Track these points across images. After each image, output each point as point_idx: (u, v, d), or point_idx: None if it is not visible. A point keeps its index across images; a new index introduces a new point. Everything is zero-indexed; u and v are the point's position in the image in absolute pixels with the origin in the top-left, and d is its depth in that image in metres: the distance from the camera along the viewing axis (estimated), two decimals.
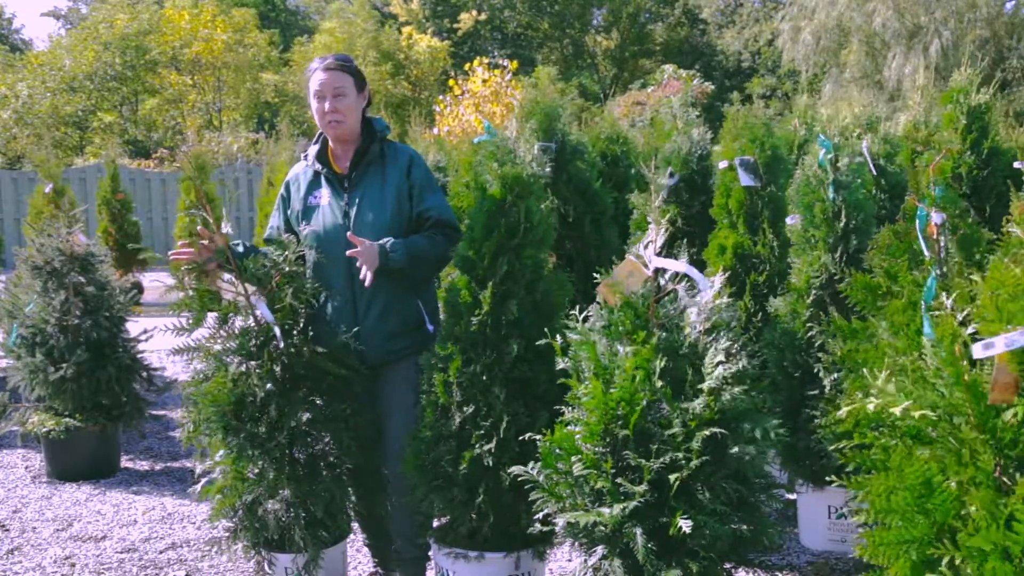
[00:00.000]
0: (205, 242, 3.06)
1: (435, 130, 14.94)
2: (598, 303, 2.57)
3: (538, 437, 2.54)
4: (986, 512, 1.49)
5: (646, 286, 2.48)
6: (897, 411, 1.63)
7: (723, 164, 4.45)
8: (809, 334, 3.64)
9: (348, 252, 2.99)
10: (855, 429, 1.80)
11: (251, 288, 3.10)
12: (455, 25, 32.98)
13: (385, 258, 3.03)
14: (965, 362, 1.61)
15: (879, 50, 22.38)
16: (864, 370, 2.09)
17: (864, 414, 1.75)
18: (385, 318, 3.19)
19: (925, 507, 1.60)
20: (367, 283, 3.01)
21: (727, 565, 2.40)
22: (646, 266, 2.51)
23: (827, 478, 3.41)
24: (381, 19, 30.46)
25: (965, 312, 1.79)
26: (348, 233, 3.04)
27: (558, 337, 2.61)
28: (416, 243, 3.13)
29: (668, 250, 2.56)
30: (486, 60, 17.68)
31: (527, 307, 2.87)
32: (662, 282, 2.52)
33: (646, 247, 2.53)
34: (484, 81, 16.37)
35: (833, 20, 22.78)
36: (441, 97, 17.15)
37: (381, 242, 3.05)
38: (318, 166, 3.28)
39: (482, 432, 2.85)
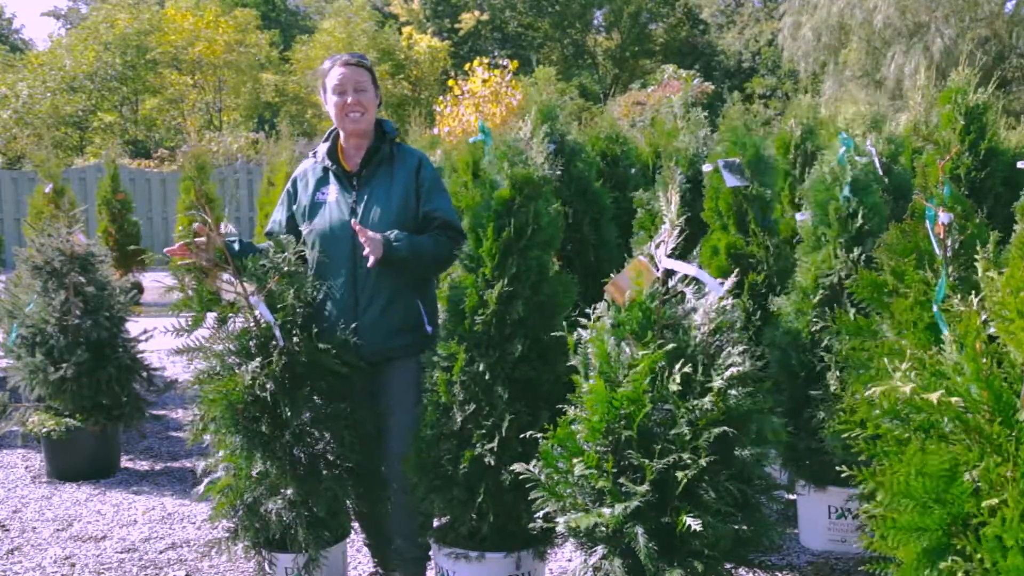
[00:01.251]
0: (202, 239, 3.07)
1: (435, 130, 14.93)
2: (605, 302, 2.57)
3: (540, 436, 2.54)
4: (1014, 506, 1.49)
5: (654, 287, 2.47)
6: (933, 398, 1.62)
7: (707, 167, 4.46)
8: (815, 330, 3.61)
9: (354, 224, 3.04)
10: (868, 420, 1.80)
11: (250, 288, 3.11)
12: (456, 25, 32.98)
13: (389, 248, 3.06)
14: (985, 359, 1.61)
15: (879, 49, 22.36)
16: (874, 365, 2.09)
17: (881, 405, 1.75)
18: (386, 314, 3.21)
19: (944, 496, 1.60)
20: (369, 264, 3.04)
21: (728, 565, 2.40)
22: (656, 267, 2.50)
23: (833, 475, 3.43)
24: (382, 19, 30.46)
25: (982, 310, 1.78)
26: (352, 221, 3.08)
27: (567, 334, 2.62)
28: (420, 240, 3.16)
29: (672, 250, 2.56)
30: (486, 60, 17.67)
31: (532, 307, 2.88)
32: (670, 283, 2.52)
33: (657, 247, 2.52)
34: (484, 81, 16.36)
35: (834, 16, 22.75)
36: (442, 98, 17.14)
37: (385, 233, 3.09)
38: (328, 162, 3.31)
39: (483, 431, 2.85)
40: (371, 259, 3.03)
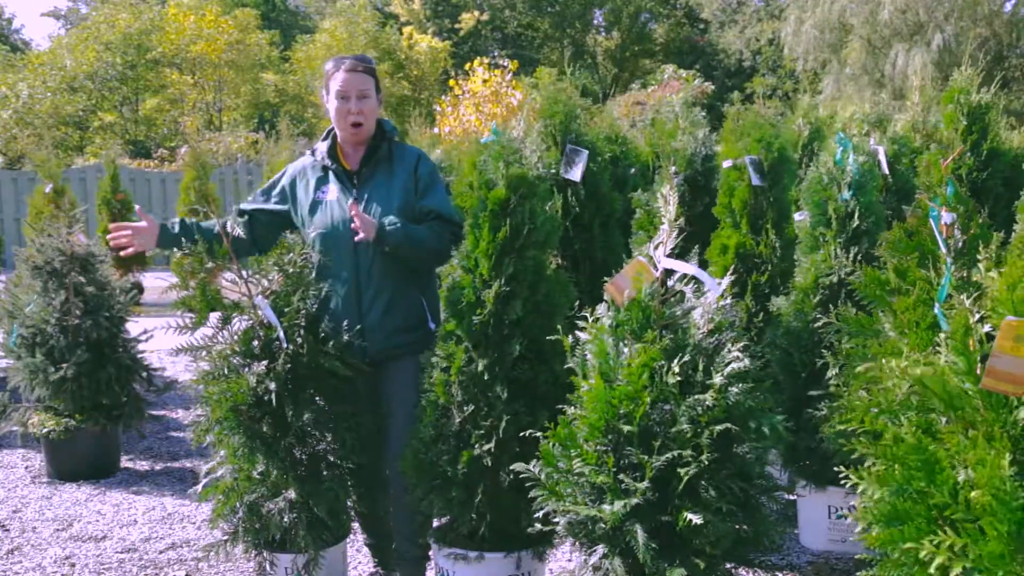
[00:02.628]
0: (143, 224, 3.16)
1: (435, 130, 14.93)
2: (605, 302, 2.57)
3: (539, 435, 2.54)
4: (992, 496, 1.49)
5: (653, 287, 2.47)
6: (917, 371, 1.63)
7: (727, 163, 4.43)
8: (817, 327, 3.60)
9: (351, 204, 3.04)
10: (867, 418, 1.81)
11: (255, 289, 3.11)
12: (456, 25, 32.97)
13: (382, 231, 3.06)
14: (978, 356, 1.62)
15: (880, 48, 22.35)
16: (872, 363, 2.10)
17: (878, 403, 1.76)
18: (389, 314, 3.21)
19: (926, 487, 1.61)
20: (358, 238, 3.03)
21: (728, 565, 2.40)
22: (655, 267, 2.50)
23: (833, 475, 3.43)
24: (383, 19, 30.46)
25: (981, 309, 1.79)
26: (351, 202, 3.07)
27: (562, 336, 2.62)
28: (415, 229, 3.16)
29: (671, 250, 2.55)
30: (486, 60, 17.67)
31: (529, 307, 2.87)
32: (670, 283, 2.51)
33: (656, 247, 2.52)
34: (484, 81, 16.37)
35: (836, 14, 22.74)
36: (442, 97, 17.15)
37: (380, 219, 3.10)
38: (328, 161, 3.30)
39: (482, 432, 2.85)
40: (360, 235, 3.02)
